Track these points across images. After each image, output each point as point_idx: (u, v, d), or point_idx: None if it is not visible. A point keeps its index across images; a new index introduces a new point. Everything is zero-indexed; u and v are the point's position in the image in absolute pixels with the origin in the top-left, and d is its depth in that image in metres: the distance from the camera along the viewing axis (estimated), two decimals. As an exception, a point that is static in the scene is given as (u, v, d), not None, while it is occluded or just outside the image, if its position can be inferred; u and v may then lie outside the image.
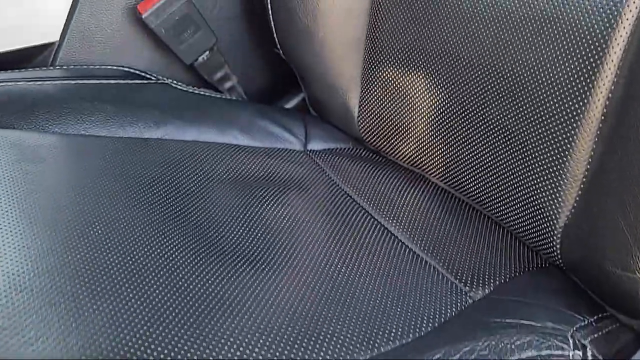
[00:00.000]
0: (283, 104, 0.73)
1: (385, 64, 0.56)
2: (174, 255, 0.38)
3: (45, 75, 0.55)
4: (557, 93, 0.40)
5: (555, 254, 0.43)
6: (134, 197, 0.43)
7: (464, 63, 0.47)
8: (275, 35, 0.63)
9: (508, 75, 0.44)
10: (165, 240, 0.39)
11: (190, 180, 0.48)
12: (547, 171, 0.42)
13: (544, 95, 0.41)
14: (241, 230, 0.43)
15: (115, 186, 0.43)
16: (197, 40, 0.61)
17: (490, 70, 0.45)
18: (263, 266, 0.40)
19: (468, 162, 0.50)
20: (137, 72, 0.60)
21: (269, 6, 0.61)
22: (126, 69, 0.60)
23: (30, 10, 0.54)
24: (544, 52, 0.41)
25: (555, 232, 0.43)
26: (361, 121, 0.60)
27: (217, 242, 0.41)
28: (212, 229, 0.43)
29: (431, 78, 0.52)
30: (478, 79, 0.47)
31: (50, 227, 0.36)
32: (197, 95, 0.60)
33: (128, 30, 0.61)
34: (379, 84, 0.57)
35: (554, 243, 0.43)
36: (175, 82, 0.61)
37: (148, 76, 0.60)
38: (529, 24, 0.41)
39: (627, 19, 0.36)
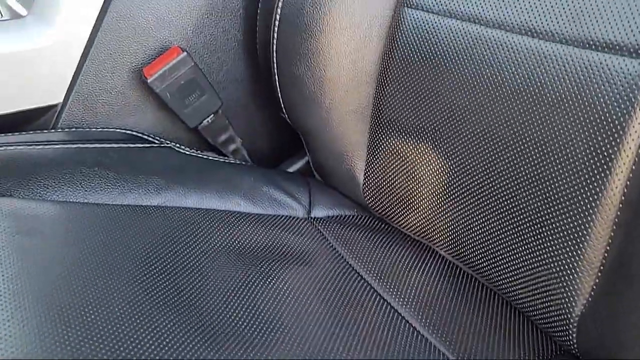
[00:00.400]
0: (287, 166, 0.72)
1: (392, 133, 0.55)
2: (169, 340, 0.36)
3: (46, 139, 0.54)
4: (571, 177, 0.39)
5: (571, 342, 0.41)
6: (129, 272, 0.41)
7: (473, 136, 0.47)
8: (280, 100, 0.62)
9: (519, 152, 0.43)
10: (160, 322, 0.37)
11: (189, 252, 0.46)
12: (560, 255, 0.40)
13: (557, 176, 0.40)
14: (241, 310, 0.41)
15: (111, 261, 0.42)
16: (202, 104, 0.60)
17: (500, 146, 0.44)
18: (263, 351, 0.38)
19: (476, 236, 0.49)
20: (140, 134, 0.60)
21: (275, 72, 0.61)
22: (129, 132, 0.59)
23: (32, 72, 0.53)
24: (557, 132, 0.40)
25: (571, 319, 0.41)
26: (367, 189, 0.59)
27: (216, 322, 0.39)
28: (211, 308, 0.41)
29: (438, 149, 0.51)
30: (488, 153, 0.46)
31: (40, 313, 0.34)
32: (200, 159, 0.59)
33: (132, 93, 0.60)
34: (385, 152, 0.56)
35: (570, 331, 0.41)
36: (178, 145, 0.60)
37: (151, 139, 0.59)
38: (543, 102, 0.41)
39: (645, 106, 0.35)
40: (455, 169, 0.49)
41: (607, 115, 0.37)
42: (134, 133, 0.59)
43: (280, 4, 0.58)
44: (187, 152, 0.59)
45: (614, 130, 0.36)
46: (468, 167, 0.48)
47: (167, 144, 0.59)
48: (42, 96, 0.57)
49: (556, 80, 0.40)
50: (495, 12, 0.45)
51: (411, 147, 0.54)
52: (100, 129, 0.58)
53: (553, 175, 0.41)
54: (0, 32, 0.54)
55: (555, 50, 0.40)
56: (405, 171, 0.55)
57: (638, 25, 0.36)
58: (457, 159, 0.49)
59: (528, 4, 0.43)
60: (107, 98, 0.59)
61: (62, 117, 0.58)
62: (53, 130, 0.57)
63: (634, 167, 0.36)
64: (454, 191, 0.50)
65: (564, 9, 0.40)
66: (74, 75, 0.57)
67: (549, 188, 0.41)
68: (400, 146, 0.55)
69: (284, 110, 0.63)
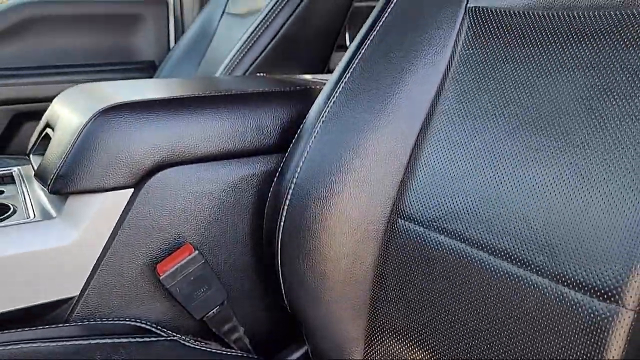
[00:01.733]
0: (287, 354, 0.73)
1: (386, 333, 0.58)
2: None
3: (57, 335, 0.57)
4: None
5: None
6: None
7: (464, 343, 0.49)
8: (283, 291, 0.66)
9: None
10: None
11: None
12: None
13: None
14: None
15: None
16: (209, 297, 0.64)
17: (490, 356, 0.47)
18: None
19: None
20: (148, 327, 0.63)
21: (279, 265, 0.65)
22: (139, 325, 0.62)
23: (54, 267, 0.58)
24: (549, 342, 0.43)
25: None
26: (364, 385, 0.61)
27: None
28: None
29: (430, 354, 0.53)
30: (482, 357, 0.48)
31: None
32: (203, 353, 0.62)
33: (144, 285, 0.64)
34: (381, 351, 0.58)
35: None
36: (183, 338, 0.62)
37: (159, 332, 0.62)
38: (523, 327, 0.44)
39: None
40: (448, 375, 0.51)
41: (581, 353, 0.40)
42: (143, 325, 0.62)
43: (286, 206, 0.64)
44: (192, 345, 0.62)
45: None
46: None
47: (174, 336, 0.62)
48: (60, 290, 0.61)
49: (533, 309, 0.43)
50: (479, 234, 0.50)
51: (404, 349, 0.56)
52: (112, 321, 0.62)
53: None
54: (32, 231, 0.60)
55: (532, 280, 0.44)
56: (400, 372, 0.57)
57: (603, 270, 0.40)
58: (449, 365, 0.51)
59: (507, 230, 0.47)
60: (121, 290, 0.63)
61: (77, 308, 0.61)
62: (67, 325, 0.60)
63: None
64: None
65: (539, 241, 0.45)
66: (93, 269, 0.62)
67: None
68: (394, 347, 0.57)
69: (286, 301, 0.66)
